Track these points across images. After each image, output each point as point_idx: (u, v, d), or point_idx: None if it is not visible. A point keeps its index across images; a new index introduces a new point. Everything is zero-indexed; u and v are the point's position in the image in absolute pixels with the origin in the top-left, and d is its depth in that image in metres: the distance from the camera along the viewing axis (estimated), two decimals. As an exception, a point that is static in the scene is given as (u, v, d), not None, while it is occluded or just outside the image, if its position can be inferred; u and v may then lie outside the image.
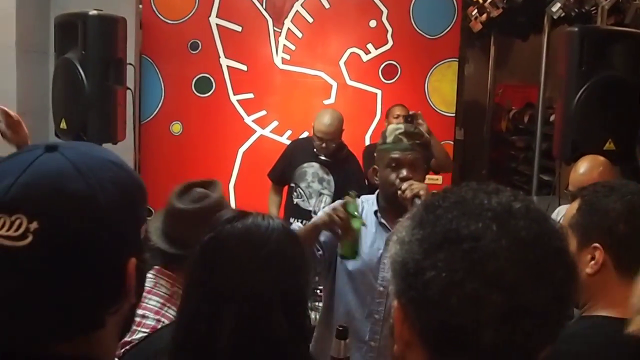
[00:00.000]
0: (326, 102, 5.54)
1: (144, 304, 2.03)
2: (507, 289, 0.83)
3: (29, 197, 0.89)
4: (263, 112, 5.63)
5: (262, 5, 5.56)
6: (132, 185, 1.01)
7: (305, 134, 5.15)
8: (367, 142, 5.53)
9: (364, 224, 2.47)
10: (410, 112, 4.58)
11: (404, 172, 2.59)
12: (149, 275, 2.09)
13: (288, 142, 5.19)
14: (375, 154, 2.79)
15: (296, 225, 2.82)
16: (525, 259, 0.85)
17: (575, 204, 1.73)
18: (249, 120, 5.63)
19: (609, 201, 1.65)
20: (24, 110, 4.71)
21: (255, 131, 5.64)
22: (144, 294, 1.99)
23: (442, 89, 5.58)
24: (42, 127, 5.01)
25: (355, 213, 2.42)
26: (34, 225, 0.88)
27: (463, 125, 7.34)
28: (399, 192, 2.54)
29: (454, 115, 5.68)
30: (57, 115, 4.01)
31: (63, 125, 3.92)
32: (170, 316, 2.02)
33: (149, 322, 2.01)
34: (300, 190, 4.47)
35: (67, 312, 0.92)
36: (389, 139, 2.67)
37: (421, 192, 2.49)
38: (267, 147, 5.46)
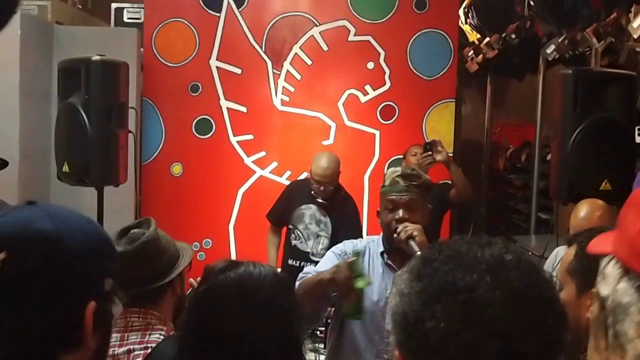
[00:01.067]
0: (325, 142, 5.60)
1: (125, 342, 2.12)
2: (502, 337, 0.87)
3: (1, 232, 0.98)
4: (263, 153, 5.69)
5: (261, 48, 5.65)
6: (98, 238, 1.08)
7: (304, 175, 5.19)
8: (367, 183, 5.58)
9: (369, 283, 2.51)
10: (430, 139, 4.63)
11: (400, 214, 2.64)
12: (118, 318, 2.16)
13: (287, 182, 5.23)
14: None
15: (310, 268, 2.85)
16: (518, 308, 0.89)
17: (572, 250, 1.76)
18: (248, 161, 5.68)
19: None
20: (27, 153, 4.78)
21: (255, 172, 5.68)
22: (122, 334, 2.07)
23: (439, 129, 5.64)
24: (43, 170, 5.06)
25: (361, 272, 2.45)
26: (2, 256, 0.95)
27: (461, 164, 7.36)
28: (395, 234, 2.59)
29: (452, 154, 5.73)
30: (60, 159, 4.06)
31: (65, 168, 3.96)
32: (156, 339, 2.12)
33: (137, 352, 2.10)
34: (298, 232, 4.50)
35: (18, 345, 0.97)
36: (387, 182, 2.73)
37: (414, 234, 2.54)
38: (267, 187, 5.50)
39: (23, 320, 0.96)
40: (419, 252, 2.47)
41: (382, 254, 2.75)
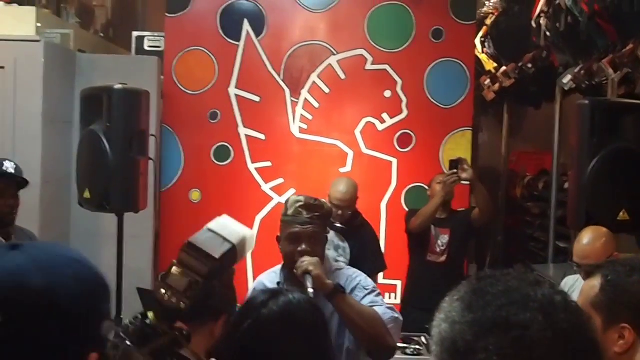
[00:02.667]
0: (342, 170, 5.63)
1: None
2: None
3: None
4: (280, 180, 5.73)
5: (279, 76, 5.71)
6: (93, 282, 1.03)
7: (322, 202, 5.21)
8: (384, 211, 5.59)
9: None
10: (455, 158, 4.66)
11: (303, 246, 2.66)
12: None
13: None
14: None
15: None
16: (566, 349, 0.95)
17: (595, 282, 1.77)
18: (266, 188, 5.72)
19: (632, 281, 1.70)
20: (48, 179, 4.85)
21: (273, 199, 5.72)
22: None
23: (456, 157, 5.66)
24: (65, 195, 5.12)
25: None
26: None
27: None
28: (295, 268, 2.62)
29: (468, 182, 5.74)
30: (81, 185, 4.11)
31: (87, 194, 4.02)
32: None
33: None
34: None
35: None
36: (289, 211, 2.75)
37: (310, 268, 2.55)
38: (284, 214, 5.52)
39: None
40: (310, 290, 2.49)
41: (277, 284, 2.76)
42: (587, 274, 1.88)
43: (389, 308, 2.66)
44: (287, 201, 2.82)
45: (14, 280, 0.95)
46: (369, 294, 2.70)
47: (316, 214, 2.70)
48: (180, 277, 1.21)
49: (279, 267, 2.92)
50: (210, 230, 1.31)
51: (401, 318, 2.69)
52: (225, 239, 1.31)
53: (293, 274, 2.68)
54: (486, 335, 0.95)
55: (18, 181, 3.61)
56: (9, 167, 3.56)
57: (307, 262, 2.58)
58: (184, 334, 1.17)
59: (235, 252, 1.32)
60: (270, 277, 2.84)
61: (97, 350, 0.99)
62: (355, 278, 2.77)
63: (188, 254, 1.26)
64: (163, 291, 1.14)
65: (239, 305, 2.29)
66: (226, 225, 1.35)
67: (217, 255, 1.29)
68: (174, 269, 1.22)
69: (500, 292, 0.99)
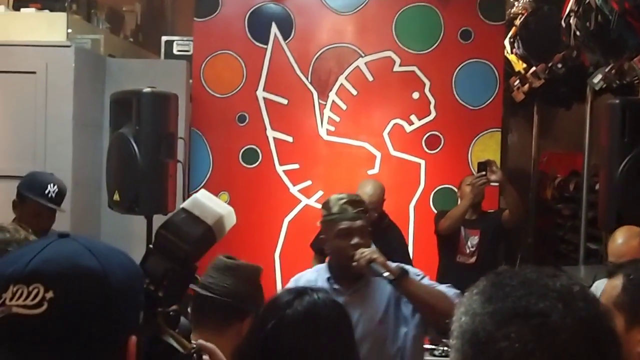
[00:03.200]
0: (370, 172, 5.62)
1: None
2: None
3: (46, 269, 0.96)
4: (308, 182, 5.73)
5: (307, 79, 5.72)
6: (135, 273, 1.07)
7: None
8: (412, 213, 5.57)
9: None
10: (484, 159, 4.64)
11: (356, 240, 2.70)
12: None
13: (333, 211, 5.25)
14: (321, 225, 2.89)
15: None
16: (586, 336, 0.96)
17: (617, 282, 1.75)
18: (294, 190, 5.73)
19: None
20: (78, 181, 4.91)
21: (301, 201, 5.73)
22: None
23: (485, 158, 5.62)
24: (95, 198, 5.18)
25: None
26: (50, 295, 0.94)
27: (507, 194, 7.33)
28: (353, 262, 2.65)
29: (498, 184, 5.70)
30: (111, 188, 4.16)
31: (116, 197, 4.06)
32: None
33: None
34: (343, 260, 4.51)
35: None
36: (334, 209, 2.78)
37: (374, 256, 2.62)
38: (312, 216, 5.50)
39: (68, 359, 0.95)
40: (384, 273, 2.56)
41: (328, 279, 2.80)
42: (610, 273, 1.85)
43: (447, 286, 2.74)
44: (327, 202, 2.87)
45: (69, 261, 0.98)
46: (422, 278, 2.76)
47: (360, 208, 2.77)
48: (157, 264, 1.18)
49: (321, 266, 2.96)
50: (184, 210, 1.26)
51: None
52: (200, 220, 1.26)
53: (342, 270, 2.75)
54: (507, 325, 0.96)
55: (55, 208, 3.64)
56: (51, 191, 3.59)
57: (367, 252, 2.63)
58: (169, 315, 1.15)
59: (212, 233, 1.27)
60: (319, 274, 2.87)
61: (136, 335, 1.02)
62: (404, 266, 2.79)
63: (163, 238, 1.23)
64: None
65: None
66: (201, 204, 1.28)
67: (190, 240, 1.24)
68: (151, 255, 1.20)
69: (519, 283, 1.01)
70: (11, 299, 0.95)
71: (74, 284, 0.96)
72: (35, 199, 3.56)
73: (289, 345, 1.61)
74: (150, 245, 1.23)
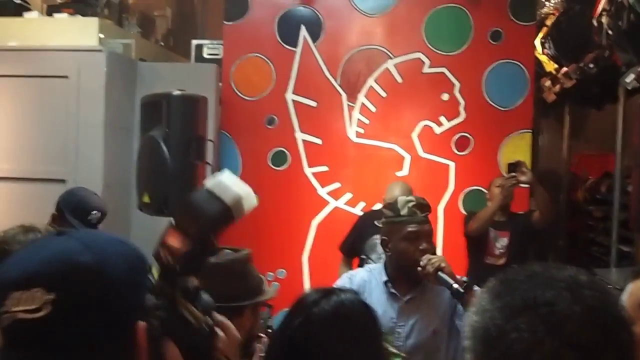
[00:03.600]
0: (399, 174, 5.61)
1: None
2: (582, 348, 0.94)
3: (44, 271, 0.98)
4: (337, 185, 5.73)
5: (336, 81, 5.73)
6: (136, 257, 1.08)
7: (378, 206, 5.20)
8: (441, 214, 5.54)
9: (404, 358, 2.50)
10: (514, 160, 4.61)
11: (424, 245, 2.65)
12: None
13: (362, 213, 5.25)
14: (383, 225, 2.83)
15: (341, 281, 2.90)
16: (596, 322, 0.96)
17: None
18: (323, 192, 5.74)
19: None
20: (109, 183, 4.96)
21: (329, 203, 5.73)
22: None
23: (515, 160, 5.58)
24: (125, 200, 5.23)
25: (394, 350, 2.47)
26: (51, 297, 0.95)
27: (539, 196, 7.26)
28: (419, 267, 2.60)
29: (528, 185, 5.65)
30: (141, 189, 4.19)
31: (146, 199, 4.09)
32: None
33: None
34: (372, 262, 4.49)
35: None
36: (403, 211, 2.73)
37: (442, 265, 2.56)
38: (341, 218, 5.53)
39: (78, 358, 0.96)
40: (454, 285, 2.51)
41: (385, 283, 2.75)
42: (635, 274, 1.82)
43: None
44: (393, 203, 2.81)
45: (64, 259, 0.99)
46: None
47: (427, 213, 2.73)
48: (176, 239, 1.20)
49: (375, 266, 2.92)
50: (207, 190, 1.28)
51: None
52: (219, 199, 1.28)
53: (403, 274, 2.71)
54: (516, 316, 0.97)
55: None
56: (94, 217, 3.54)
57: (436, 259, 2.59)
58: (189, 289, 1.17)
59: (230, 213, 1.29)
60: (372, 275, 2.82)
61: (144, 319, 1.03)
62: (467, 279, 2.75)
63: (183, 214, 1.25)
64: (161, 253, 1.15)
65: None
66: (223, 184, 1.30)
67: (207, 218, 1.26)
68: (171, 230, 1.21)
69: (526, 277, 1.02)
70: (14, 305, 0.96)
71: (71, 283, 0.97)
72: (76, 224, 3.47)
73: (314, 343, 1.62)
74: (171, 221, 1.24)
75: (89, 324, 0.97)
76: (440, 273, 2.54)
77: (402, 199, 2.80)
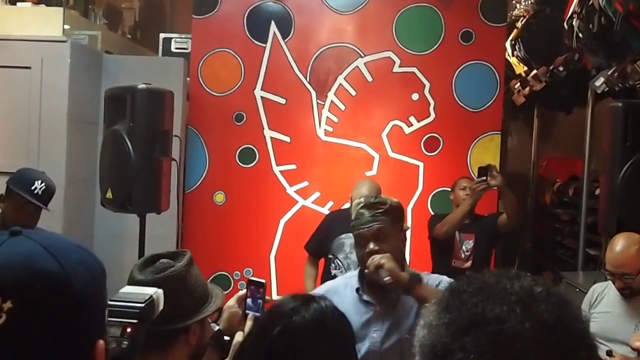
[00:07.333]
0: (368, 173, 5.57)
1: None
2: None
3: (2, 277, 0.89)
4: (305, 183, 5.68)
5: (306, 78, 5.67)
6: (97, 267, 1.00)
7: (347, 205, 5.16)
8: (409, 215, 5.50)
9: None
10: (484, 164, 4.57)
11: (370, 246, 2.58)
12: None
13: (328, 212, 5.20)
14: None
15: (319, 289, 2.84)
16: (549, 340, 0.87)
17: None
18: (291, 190, 5.68)
19: None
20: (72, 179, 4.85)
21: (297, 202, 5.67)
22: None
23: (484, 161, 5.52)
24: (89, 195, 5.12)
25: None
26: (7, 305, 0.87)
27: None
28: (365, 269, 2.57)
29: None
30: (104, 185, 4.09)
31: (109, 194, 4.00)
32: None
33: None
34: (339, 262, 4.43)
35: None
36: (353, 216, 2.67)
37: (382, 262, 2.50)
38: (309, 217, 5.47)
39: None
40: (386, 279, 2.48)
41: (357, 290, 2.69)
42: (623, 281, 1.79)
43: None
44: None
45: (27, 264, 0.90)
46: (440, 284, 2.65)
47: (378, 210, 2.60)
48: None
49: (353, 273, 2.84)
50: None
51: None
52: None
53: (369, 280, 2.63)
54: (463, 335, 0.89)
55: (39, 205, 3.56)
56: (38, 187, 3.52)
57: (377, 257, 2.52)
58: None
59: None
60: (348, 283, 2.74)
61: (102, 338, 0.97)
62: (438, 277, 2.71)
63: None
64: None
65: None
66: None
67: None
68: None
69: (477, 289, 0.93)
70: None
71: (33, 292, 0.89)
72: (20, 193, 3.49)
73: (294, 352, 1.59)
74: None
75: (48, 338, 0.89)
76: (379, 270, 2.49)
77: (355, 203, 2.74)
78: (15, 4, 5.28)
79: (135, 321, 1.26)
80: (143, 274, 1.96)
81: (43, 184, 3.55)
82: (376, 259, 2.52)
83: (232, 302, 2.22)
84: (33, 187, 3.49)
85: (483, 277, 0.96)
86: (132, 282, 1.95)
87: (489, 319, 0.88)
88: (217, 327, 2.15)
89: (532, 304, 0.90)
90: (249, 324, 2.09)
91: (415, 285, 2.53)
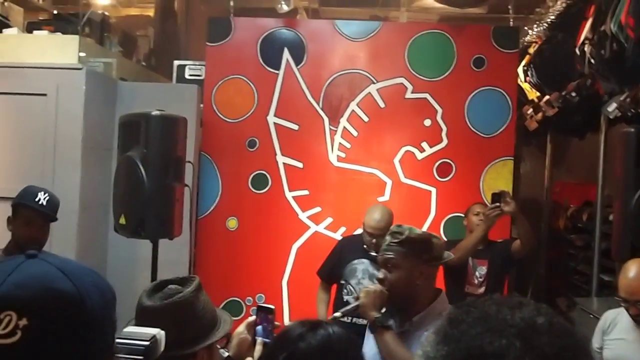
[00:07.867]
0: (380, 199, 5.57)
1: None
2: None
3: (18, 295, 0.91)
4: (318, 209, 5.68)
5: (318, 104, 5.70)
6: (108, 291, 1.03)
7: (359, 231, 5.15)
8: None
9: None
10: (498, 190, 4.56)
11: (380, 274, 2.70)
12: None
13: (340, 238, 5.19)
14: None
15: None
16: None
17: None
18: (303, 216, 5.68)
19: None
20: (86, 204, 4.88)
21: (310, 227, 5.68)
22: None
23: (497, 187, 5.50)
24: (102, 221, 5.15)
25: None
26: (23, 322, 0.89)
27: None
28: None
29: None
30: (117, 211, 4.11)
31: (122, 220, 4.01)
32: None
33: None
34: (351, 287, 4.43)
35: None
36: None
37: (361, 295, 2.67)
38: (321, 243, 5.47)
39: None
40: (338, 314, 2.63)
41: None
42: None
43: None
44: None
45: (42, 284, 0.93)
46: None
47: (394, 240, 2.69)
48: None
49: None
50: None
51: None
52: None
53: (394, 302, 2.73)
54: None
55: (46, 214, 3.58)
56: (42, 198, 3.54)
57: (365, 290, 2.65)
58: None
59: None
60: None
61: (111, 358, 1.00)
62: (388, 323, 2.73)
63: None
64: None
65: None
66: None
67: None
68: None
69: (476, 319, 0.91)
70: None
71: (48, 310, 0.92)
72: (25, 204, 3.51)
73: None
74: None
75: (60, 355, 0.91)
76: (351, 301, 2.62)
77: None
78: (31, 32, 5.36)
79: (141, 357, 1.30)
80: (151, 299, 1.98)
81: (46, 194, 3.56)
82: (363, 291, 2.67)
83: (241, 328, 2.24)
84: (37, 199, 3.50)
85: (483, 305, 0.94)
86: (140, 307, 1.98)
87: (487, 352, 0.86)
88: (226, 354, 2.16)
89: (533, 336, 0.87)
90: (258, 349, 2.11)
91: (376, 330, 2.63)
